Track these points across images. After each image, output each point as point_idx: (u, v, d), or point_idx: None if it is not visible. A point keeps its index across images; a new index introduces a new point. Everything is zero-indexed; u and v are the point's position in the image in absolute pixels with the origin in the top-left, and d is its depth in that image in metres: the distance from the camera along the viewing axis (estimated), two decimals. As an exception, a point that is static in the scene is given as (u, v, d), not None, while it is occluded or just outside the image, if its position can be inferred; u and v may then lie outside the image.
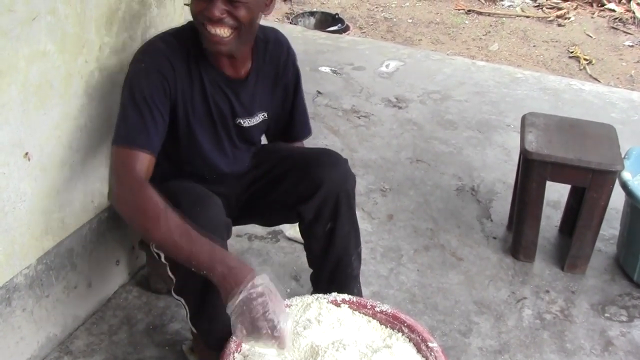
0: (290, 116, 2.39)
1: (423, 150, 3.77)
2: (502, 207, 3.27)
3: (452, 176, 3.54)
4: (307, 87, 4.49)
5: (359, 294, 2.39)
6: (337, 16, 6.30)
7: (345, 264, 2.32)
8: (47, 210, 2.18)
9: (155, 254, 2.08)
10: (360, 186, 3.27)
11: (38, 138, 2.06)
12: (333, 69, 4.77)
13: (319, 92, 4.32)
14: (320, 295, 2.08)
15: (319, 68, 4.71)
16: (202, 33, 1.98)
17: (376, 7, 7.10)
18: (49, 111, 2.07)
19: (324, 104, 4.20)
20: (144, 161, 1.97)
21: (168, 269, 2.04)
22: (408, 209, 3.24)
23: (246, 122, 2.24)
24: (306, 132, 2.48)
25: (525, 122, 2.91)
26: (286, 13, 6.88)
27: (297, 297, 2.07)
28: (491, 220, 3.20)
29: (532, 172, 2.73)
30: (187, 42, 2.07)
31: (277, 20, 6.56)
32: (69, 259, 2.33)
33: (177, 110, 2.08)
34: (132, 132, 1.98)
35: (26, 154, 2.03)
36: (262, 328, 1.75)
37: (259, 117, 2.27)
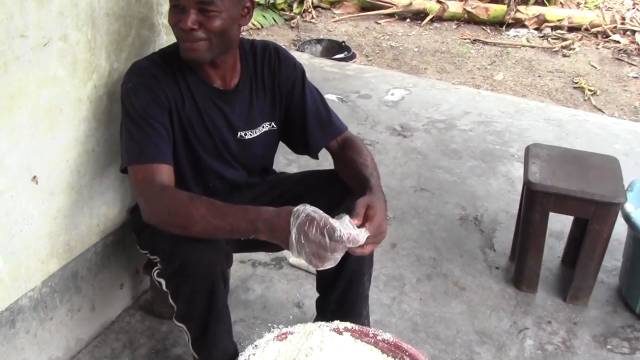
0: (305, 117, 2.27)
1: (427, 179, 3.79)
2: (505, 237, 3.28)
3: (455, 205, 3.55)
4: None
5: (367, 316, 2.40)
6: (343, 44, 6.36)
7: (357, 283, 2.30)
8: (53, 234, 2.20)
9: (157, 283, 2.09)
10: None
11: (46, 162, 2.08)
12: (339, 96, 4.80)
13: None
14: (323, 323, 2.09)
15: (325, 96, 4.72)
16: (179, 43, 2.03)
17: (382, 36, 7.17)
18: (58, 135, 2.09)
19: (329, 131, 4.23)
20: (163, 171, 1.99)
21: (169, 296, 2.05)
22: (411, 238, 3.25)
23: (248, 135, 2.24)
24: (334, 130, 2.31)
25: (529, 153, 2.93)
26: (293, 40, 6.94)
27: (300, 325, 2.08)
28: (494, 250, 3.20)
29: (535, 203, 2.74)
30: (172, 59, 2.10)
31: (284, 46, 6.61)
32: (74, 282, 2.34)
33: (172, 124, 2.10)
34: (142, 148, 2.00)
35: (34, 177, 2.05)
36: (329, 246, 1.75)
37: (264, 128, 2.26)
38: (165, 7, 2.04)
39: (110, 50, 2.20)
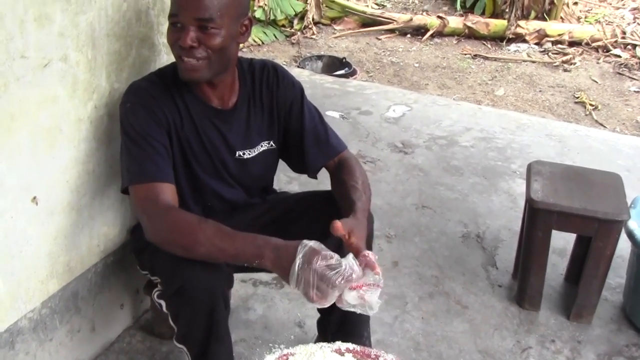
0: (303, 137, 2.26)
1: (429, 196, 3.78)
2: (507, 254, 3.27)
3: (457, 223, 3.54)
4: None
5: (369, 337, 2.38)
6: (344, 60, 6.37)
7: None
8: (53, 254, 2.19)
9: (157, 304, 2.08)
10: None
11: (46, 182, 2.07)
12: (340, 113, 4.80)
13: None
14: (324, 344, 2.07)
15: (326, 112, 4.73)
16: (178, 63, 2.02)
17: (383, 51, 7.17)
18: (58, 155, 2.09)
19: (330, 148, 4.22)
20: (167, 190, 1.98)
21: (170, 318, 2.04)
22: (413, 256, 3.24)
23: (247, 154, 2.23)
24: (331, 150, 2.28)
25: (531, 171, 2.92)
26: (294, 56, 6.95)
27: (301, 346, 2.05)
28: (496, 268, 3.19)
29: (537, 221, 2.73)
30: (170, 78, 2.10)
31: (285, 63, 6.63)
32: (74, 302, 2.33)
33: (171, 143, 2.09)
34: (143, 167, 2.00)
35: (34, 198, 2.04)
36: (331, 278, 1.73)
37: (263, 147, 2.26)
38: (166, 26, 2.03)
39: (110, 70, 2.20)
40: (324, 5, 7.95)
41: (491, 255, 3.28)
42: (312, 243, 1.77)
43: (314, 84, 5.26)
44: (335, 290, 1.75)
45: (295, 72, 5.60)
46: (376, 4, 8.58)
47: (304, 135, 2.26)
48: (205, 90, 2.12)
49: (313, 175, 2.34)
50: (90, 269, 2.38)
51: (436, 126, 4.71)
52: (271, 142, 2.27)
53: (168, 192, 1.98)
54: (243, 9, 2.05)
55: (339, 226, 1.86)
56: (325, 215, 2.16)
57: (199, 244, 1.86)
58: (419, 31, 7.69)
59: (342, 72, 6.13)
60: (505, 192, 3.88)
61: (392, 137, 4.49)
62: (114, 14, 2.14)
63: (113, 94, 2.23)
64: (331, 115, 4.71)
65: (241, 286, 2.91)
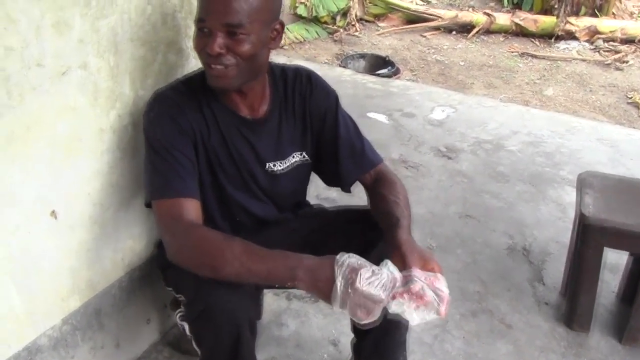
0: (337, 148, 2.12)
1: (473, 204, 3.62)
2: (555, 269, 3.09)
3: (502, 234, 3.37)
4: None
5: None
6: (387, 59, 6.21)
7: (394, 329, 2.13)
8: (74, 269, 2.09)
9: (180, 326, 1.96)
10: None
11: (65, 195, 1.97)
12: (382, 115, 4.65)
13: (366, 140, 4.19)
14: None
15: (368, 114, 4.60)
16: (206, 70, 1.89)
17: (428, 49, 7.01)
18: (78, 167, 1.98)
19: (371, 152, 4.07)
20: (190, 206, 1.86)
21: (193, 341, 1.92)
22: (455, 269, 3.08)
23: (277, 166, 2.10)
24: (367, 162, 2.15)
25: (581, 183, 2.74)
26: (336, 54, 6.81)
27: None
28: (543, 284, 3.02)
29: (588, 238, 2.55)
30: (197, 86, 1.98)
31: (327, 61, 6.51)
32: (97, 318, 2.23)
33: (197, 155, 1.97)
34: (167, 182, 1.88)
35: (53, 212, 1.94)
36: (377, 295, 1.61)
37: (295, 159, 2.13)
38: (194, 30, 1.91)
39: (134, 77, 2.09)
40: (368, 1, 7.80)
41: (538, 270, 3.11)
42: (348, 259, 1.65)
43: (356, 84, 5.12)
44: (381, 304, 1.64)
45: (337, 72, 5.48)
46: (421, 0, 8.40)
47: (338, 147, 2.13)
48: (234, 99, 1.99)
49: (347, 189, 2.20)
50: (114, 284, 2.28)
51: (482, 129, 4.53)
52: (304, 154, 2.14)
53: (192, 208, 1.86)
54: (274, 13, 1.92)
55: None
56: (363, 232, 2.06)
57: (225, 264, 1.73)
58: (465, 28, 7.50)
59: (385, 71, 5.98)
60: (553, 201, 3.69)
61: (435, 141, 4.32)
62: (137, 18, 2.02)
63: (137, 102, 2.12)
64: (372, 116, 4.56)
65: (274, 300, 2.78)
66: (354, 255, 1.67)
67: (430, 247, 3.22)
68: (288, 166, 2.11)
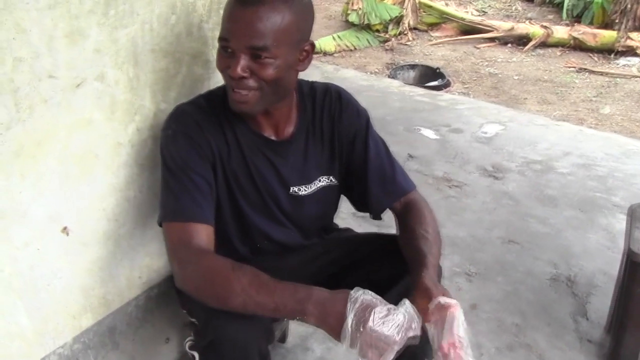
0: (367, 173, 1.99)
1: (517, 229, 3.44)
2: (601, 303, 2.90)
3: (546, 262, 3.19)
4: (399, 148, 4.27)
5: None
6: (438, 71, 6.06)
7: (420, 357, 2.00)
8: (87, 287, 2.00)
9: (190, 355, 1.86)
10: (445, 268, 2.94)
11: (79, 211, 1.89)
12: (429, 130, 4.49)
13: (411, 156, 4.05)
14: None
15: (414, 128, 4.45)
16: (228, 92, 1.78)
17: (481, 61, 6.83)
18: (93, 183, 1.89)
19: (414, 169, 3.93)
20: (202, 233, 1.75)
21: None
22: (494, 299, 2.92)
23: (302, 190, 1.97)
24: (397, 190, 2.00)
25: (633, 214, 2.56)
26: (387, 63, 6.69)
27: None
28: (587, 319, 2.84)
29: (637, 276, 2.38)
30: (219, 102, 1.85)
31: (377, 70, 6.39)
32: (110, 337, 2.14)
33: (216, 177, 1.86)
34: (179, 204, 1.77)
35: (64, 228, 1.86)
36: (391, 337, 1.50)
37: (321, 182, 2.00)
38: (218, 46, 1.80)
39: (155, 89, 1.99)
40: (422, 10, 7.64)
41: (582, 304, 2.93)
42: (362, 296, 1.53)
43: (404, 96, 4.99)
44: (395, 347, 1.51)
45: (385, 83, 5.35)
46: (477, 10, 8.21)
47: (368, 172, 2.00)
48: (257, 119, 1.88)
49: (376, 216, 2.07)
50: (131, 302, 2.19)
51: (531, 149, 4.35)
52: (331, 178, 2.01)
53: (203, 234, 1.75)
54: (304, 33, 1.79)
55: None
56: (390, 263, 1.93)
57: (233, 295, 1.62)
58: (520, 41, 7.31)
59: (435, 83, 5.84)
60: (603, 229, 3.50)
61: (482, 159, 4.15)
62: (160, 28, 1.92)
63: (159, 115, 2.02)
64: (418, 131, 4.42)
65: (300, 323, 2.65)
66: (370, 292, 1.55)
67: (470, 274, 3.07)
68: (314, 189, 1.99)
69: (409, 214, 1.96)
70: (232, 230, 1.96)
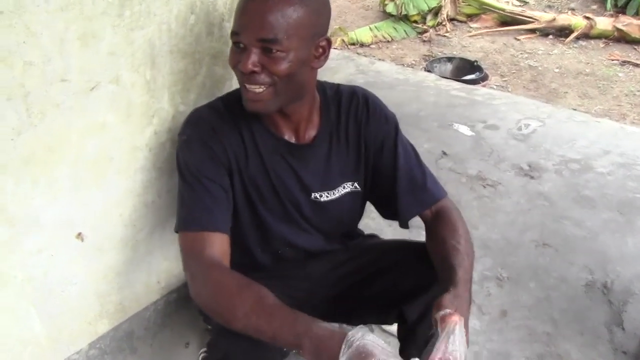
0: (396, 180, 1.92)
1: (552, 232, 3.33)
2: (638, 312, 2.79)
3: (581, 267, 3.08)
4: (432, 145, 4.17)
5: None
6: (475, 63, 5.92)
7: None
8: (103, 293, 1.98)
9: None
10: (475, 272, 2.87)
11: (94, 217, 1.85)
12: (464, 126, 4.38)
13: (444, 153, 3.95)
14: None
15: (448, 124, 4.34)
16: (241, 91, 1.71)
17: (521, 54, 6.69)
18: (108, 188, 1.86)
19: (447, 167, 3.82)
20: (215, 242, 1.69)
21: None
22: (525, 305, 2.82)
23: (324, 196, 1.91)
24: (428, 197, 1.94)
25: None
26: (424, 55, 6.57)
27: None
28: (623, 329, 2.72)
29: (675, 288, 2.28)
30: (236, 105, 1.78)
31: (413, 62, 6.28)
32: (128, 342, 2.12)
33: (233, 182, 1.80)
34: (192, 213, 1.72)
35: (79, 234, 1.83)
36: None
37: (345, 189, 1.93)
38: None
39: (174, 91, 1.94)
40: (461, 0, 7.50)
41: (618, 313, 2.82)
42: (360, 340, 1.39)
43: (439, 90, 4.87)
44: None
45: (420, 76, 5.24)
46: (518, 0, 8.04)
47: (397, 179, 1.92)
48: (276, 122, 1.82)
49: (404, 224, 1.99)
50: (149, 307, 2.16)
51: (569, 147, 4.20)
52: (355, 184, 1.94)
53: (217, 244, 1.69)
54: (319, 27, 1.71)
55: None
56: (413, 274, 1.88)
57: (234, 319, 1.56)
58: (562, 32, 7.14)
59: (472, 76, 5.71)
60: (643, 233, 3.37)
61: (518, 157, 4.03)
62: (178, 28, 1.87)
63: (178, 117, 1.98)
64: (452, 127, 4.30)
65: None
66: (373, 335, 1.43)
67: (501, 278, 2.97)
68: (337, 196, 1.92)
69: (440, 223, 1.88)
70: (251, 236, 1.90)
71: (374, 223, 3.22)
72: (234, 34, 1.66)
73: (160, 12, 1.80)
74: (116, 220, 1.92)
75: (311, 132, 1.87)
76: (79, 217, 1.81)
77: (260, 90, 1.66)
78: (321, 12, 1.71)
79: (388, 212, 2.02)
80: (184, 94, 1.97)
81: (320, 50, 1.73)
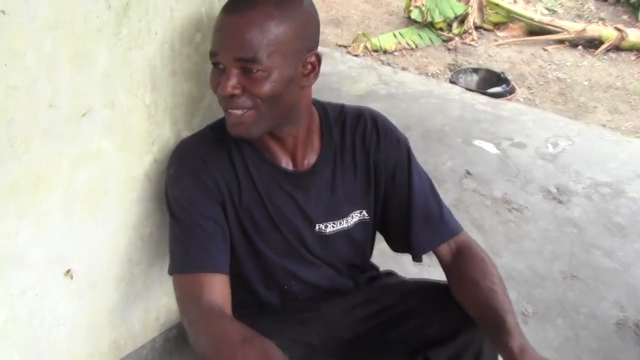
0: (410, 210, 1.76)
1: (581, 262, 3.13)
2: (674, 356, 2.61)
3: (613, 303, 2.88)
4: (456, 164, 3.98)
5: None
6: (502, 76, 5.71)
7: None
8: (94, 332, 1.83)
9: None
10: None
11: (85, 252, 1.70)
12: (489, 143, 4.19)
13: (468, 173, 3.75)
14: None
15: (473, 141, 4.14)
16: (225, 116, 1.57)
17: (549, 65, 6.48)
18: (102, 221, 1.70)
19: (471, 188, 3.63)
20: (214, 285, 1.55)
21: None
22: (552, 345, 2.63)
23: (330, 227, 1.74)
24: (445, 230, 1.78)
25: None
26: (449, 64, 6.39)
27: None
28: (657, 375, 2.54)
29: None
30: (227, 132, 1.62)
31: (438, 71, 6.11)
32: (122, 382, 1.95)
33: (227, 216, 1.64)
34: (187, 254, 1.58)
35: (68, 271, 1.68)
36: None
37: (354, 218, 1.76)
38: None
39: (177, 115, 1.78)
40: (488, 8, 7.29)
41: (652, 356, 2.63)
42: None
43: (464, 104, 4.67)
44: None
45: (444, 88, 5.05)
46: (546, 8, 7.83)
47: (411, 209, 1.75)
48: (270, 147, 1.66)
49: (417, 258, 1.82)
50: (146, 345, 2.01)
51: (600, 168, 4.00)
52: (363, 212, 1.77)
53: (216, 287, 1.55)
54: (306, 42, 1.55)
55: None
56: (439, 319, 1.70)
57: None
58: (592, 43, 6.92)
59: (499, 89, 5.51)
60: (679, 266, 3.17)
61: (546, 179, 3.83)
62: (182, 47, 1.71)
63: (181, 144, 1.81)
64: (477, 144, 4.11)
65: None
66: None
67: (526, 314, 2.78)
68: (345, 227, 1.76)
69: (465, 262, 1.72)
70: (252, 273, 1.74)
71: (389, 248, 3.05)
72: (212, 54, 1.51)
73: (162, 30, 1.63)
74: (110, 254, 1.77)
75: (311, 157, 1.71)
76: (68, 253, 1.65)
77: (242, 112, 1.51)
78: (307, 25, 1.55)
79: (399, 244, 1.85)
80: (188, 118, 1.81)
81: (309, 67, 1.57)
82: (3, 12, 1.30)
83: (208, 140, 1.65)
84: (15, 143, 1.43)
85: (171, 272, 1.60)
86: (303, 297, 1.81)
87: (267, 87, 1.49)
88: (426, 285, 1.88)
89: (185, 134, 1.80)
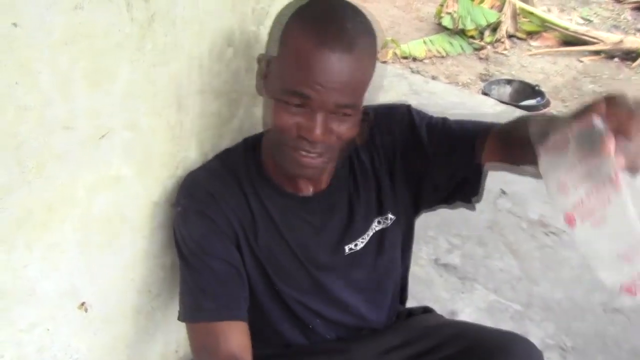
0: (435, 153, 1.54)
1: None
2: None
3: (657, 340, 2.72)
4: (491, 182, 3.68)
5: None
6: (537, 88, 5.52)
7: None
8: (109, 368, 1.67)
9: None
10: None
11: (101, 284, 1.56)
12: (524, 159, 4.02)
13: (503, 192, 3.59)
14: None
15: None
16: (286, 153, 1.38)
17: (584, 77, 6.27)
18: (120, 251, 1.56)
19: (506, 208, 3.47)
20: (232, 334, 1.41)
21: None
22: (593, 384, 2.47)
23: (360, 244, 1.59)
24: (482, 125, 1.63)
25: None
26: (480, 74, 6.20)
27: None
28: None
29: None
30: (238, 162, 1.52)
31: (468, 81, 5.93)
32: (140, 420, 1.81)
33: (242, 255, 1.50)
34: (199, 301, 1.44)
35: (82, 304, 1.54)
36: None
37: (374, 229, 1.60)
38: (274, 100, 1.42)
39: (204, 137, 1.64)
40: (521, 16, 7.10)
41: (699, 400, 2.46)
42: None
43: (498, 117, 4.45)
44: None
45: (477, 100, 4.90)
46: (582, 17, 7.62)
47: (434, 152, 1.54)
48: (292, 178, 1.52)
49: (476, 171, 1.57)
50: (165, 380, 1.86)
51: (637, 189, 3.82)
52: (388, 215, 1.61)
53: (234, 336, 1.41)
54: None
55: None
56: None
57: None
58: (629, 55, 6.70)
59: (533, 102, 5.32)
60: None
61: (582, 200, 3.66)
62: (212, 64, 1.56)
63: (207, 167, 1.67)
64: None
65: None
66: None
67: (564, 348, 2.61)
68: (370, 236, 1.60)
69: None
70: (273, 312, 1.59)
71: (422, 271, 2.90)
72: (294, 93, 1.30)
73: (189, 45, 1.49)
74: (128, 286, 1.63)
75: (325, 177, 1.56)
76: (83, 285, 1.52)
77: (317, 154, 1.36)
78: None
79: (449, 185, 1.59)
80: (216, 140, 1.67)
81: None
82: (15, 24, 1.16)
83: (216, 174, 1.52)
84: (26, 168, 1.29)
85: (182, 319, 1.46)
86: (331, 337, 1.66)
87: (353, 130, 1.36)
88: (466, 330, 1.72)
89: (212, 156, 1.66)
